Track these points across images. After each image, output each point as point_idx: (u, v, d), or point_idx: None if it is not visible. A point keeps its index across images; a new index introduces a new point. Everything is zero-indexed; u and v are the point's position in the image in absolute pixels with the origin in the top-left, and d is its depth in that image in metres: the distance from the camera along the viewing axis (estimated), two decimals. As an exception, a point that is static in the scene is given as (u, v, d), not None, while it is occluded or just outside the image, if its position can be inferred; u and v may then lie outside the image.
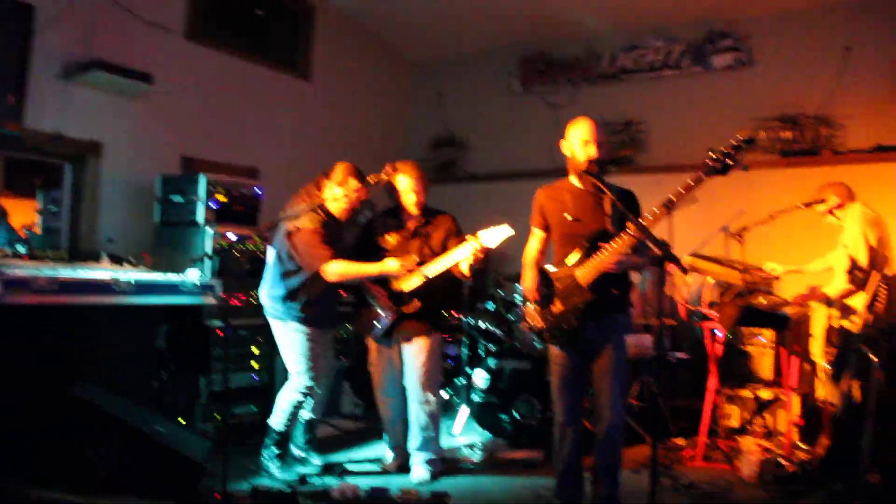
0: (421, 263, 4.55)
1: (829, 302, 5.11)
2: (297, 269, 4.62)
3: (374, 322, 4.73)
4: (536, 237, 4.16)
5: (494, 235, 4.33)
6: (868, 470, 4.02)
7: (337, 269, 4.48)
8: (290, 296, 4.64)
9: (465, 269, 4.46)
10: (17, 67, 4.98)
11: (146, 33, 5.96)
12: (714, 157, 3.48)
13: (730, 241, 5.62)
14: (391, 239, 4.80)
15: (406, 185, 4.70)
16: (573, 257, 3.87)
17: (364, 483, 4.04)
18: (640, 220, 3.61)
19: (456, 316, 6.52)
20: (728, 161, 3.50)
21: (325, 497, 3.51)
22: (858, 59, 6.60)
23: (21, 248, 4.80)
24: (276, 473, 4.59)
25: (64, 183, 5.75)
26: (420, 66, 9.31)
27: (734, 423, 5.73)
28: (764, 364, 6.04)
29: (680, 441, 5.61)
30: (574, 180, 4.00)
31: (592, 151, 3.87)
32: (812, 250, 5.71)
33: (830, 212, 5.30)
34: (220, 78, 6.73)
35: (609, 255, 3.73)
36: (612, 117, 7.75)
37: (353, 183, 4.62)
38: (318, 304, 4.66)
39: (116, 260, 5.03)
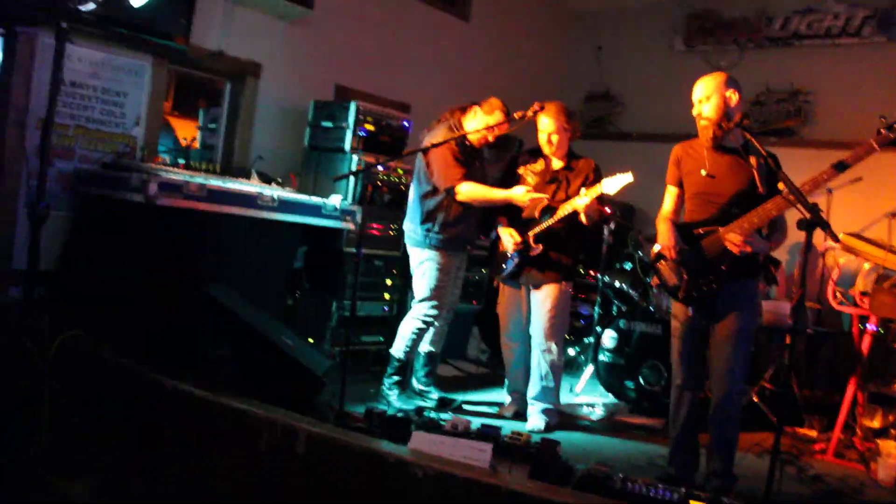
0: (552, 208, 4.50)
1: None
2: (434, 190, 4.68)
3: (503, 263, 4.72)
4: (671, 193, 3.99)
5: (615, 182, 4.26)
6: None
7: (466, 190, 4.56)
8: (427, 217, 4.71)
9: (583, 218, 4.40)
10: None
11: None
12: (888, 125, 3.26)
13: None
14: (530, 179, 4.74)
15: (544, 127, 4.62)
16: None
17: (477, 421, 4.03)
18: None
19: (592, 274, 6.39)
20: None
21: (436, 427, 3.51)
22: None
23: (179, 160, 5.03)
24: (394, 402, 4.67)
25: (223, 101, 5.97)
26: (581, 15, 9.05)
27: (876, 423, 5.36)
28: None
29: (812, 433, 5.31)
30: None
31: (699, 111, 3.71)
32: None
33: None
34: (380, 10, 6.77)
35: (759, 216, 3.52)
36: (778, 85, 7.32)
37: (499, 115, 4.63)
38: (453, 227, 4.71)
39: (265, 178, 5.18)
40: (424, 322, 4.75)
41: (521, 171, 4.80)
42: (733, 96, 3.70)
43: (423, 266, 4.74)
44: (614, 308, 5.95)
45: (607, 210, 4.56)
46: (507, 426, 4.36)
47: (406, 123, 5.80)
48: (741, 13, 7.71)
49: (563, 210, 4.46)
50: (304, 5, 5.70)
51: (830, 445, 4.92)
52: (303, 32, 6.10)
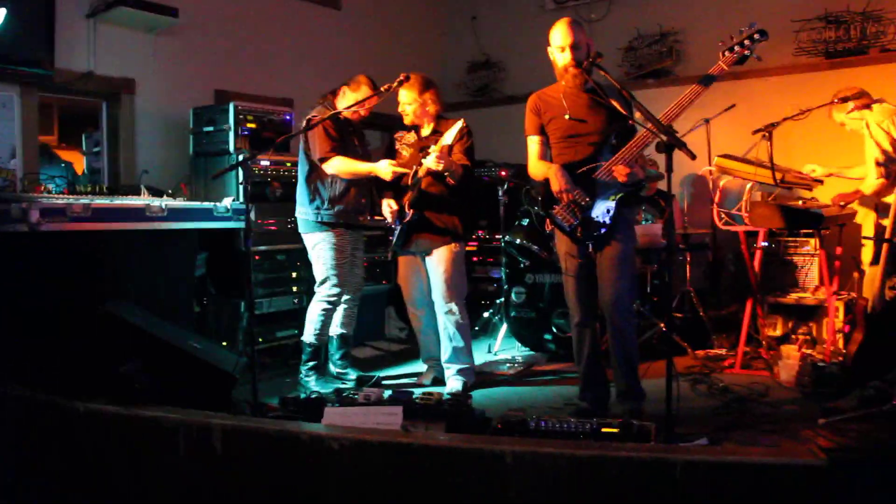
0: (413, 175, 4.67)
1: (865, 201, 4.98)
2: (315, 167, 4.82)
3: (390, 236, 4.87)
4: (535, 142, 4.13)
5: (451, 131, 4.48)
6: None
7: (335, 164, 4.73)
8: (313, 195, 4.84)
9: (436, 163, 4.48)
10: (45, 10, 5.05)
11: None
12: (728, 47, 3.54)
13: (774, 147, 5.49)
14: (404, 152, 4.89)
15: (400, 99, 4.77)
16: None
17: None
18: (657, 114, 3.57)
19: (494, 237, 6.54)
20: (745, 52, 3.53)
21: (350, 402, 3.60)
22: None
23: (62, 184, 4.96)
24: (312, 387, 4.74)
25: (101, 122, 5.89)
26: (453, -13, 9.15)
27: (777, 332, 5.67)
28: (811, 274, 5.91)
29: (722, 351, 5.59)
30: (566, 83, 3.99)
31: (567, 58, 3.86)
32: (849, 155, 5.53)
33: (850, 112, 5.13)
34: (248, 10, 6.72)
35: (637, 144, 3.73)
36: (648, 28, 7.55)
37: (365, 89, 4.78)
38: (339, 201, 4.84)
39: (155, 192, 5.13)
40: (329, 303, 4.85)
41: (396, 145, 4.96)
42: (583, 35, 3.91)
43: (318, 248, 4.86)
44: (521, 265, 6.10)
45: (466, 162, 4.65)
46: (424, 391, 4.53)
47: (288, 116, 5.83)
48: (603, -36, 7.91)
49: (421, 172, 4.61)
50: (168, 14, 5.65)
51: (737, 359, 5.18)
52: (173, 42, 6.04)
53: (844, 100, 5.10)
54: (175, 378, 3.71)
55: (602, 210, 3.87)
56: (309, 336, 4.86)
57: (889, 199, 4.84)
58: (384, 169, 4.64)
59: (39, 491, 3.38)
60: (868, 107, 5.03)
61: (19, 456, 3.48)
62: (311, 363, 4.85)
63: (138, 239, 4.56)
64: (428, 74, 4.89)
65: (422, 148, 4.75)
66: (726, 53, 3.61)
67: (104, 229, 4.31)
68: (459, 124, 4.53)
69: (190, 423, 3.09)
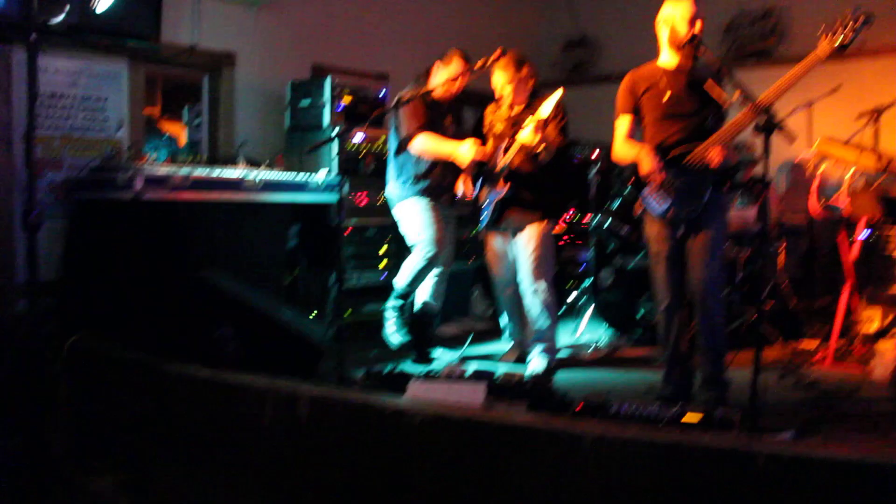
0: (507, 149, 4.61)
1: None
2: (404, 143, 4.85)
3: (480, 215, 4.84)
4: (625, 121, 4.07)
5: (548, 103, 4.35)
6: None
7: (419, 143, 4.77)
8: (400, 171, 4.91)
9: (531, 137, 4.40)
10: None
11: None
12: (827, 32, 3.40)
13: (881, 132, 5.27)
14: (498, 127, 4.85)
15: (497, 82, 4.73)
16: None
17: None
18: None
19: (583, 219, 6.48)
20: (845, 43, 3.40)
21: (433, 377, 3.65)
22: None
23: (164, 155, 5.15)
24: (390, 328, 4.94)
25: (203, 95, 6.08)
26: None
27: (875, 326, 5.45)
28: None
29: (813, 344, 5.40)
30: (665, 58, 3.92)
31: (696, 28, 3.75)
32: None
33: None
34: (348, -15, 6.82)
35: (734, 127, 3.65)
36: (750, 5, 7.32)
37: (458, 63, 4.80)
38: (425, 177, 4.89)
39: (253, 163, 5.27)
40: (426, 260, 4.85)
41: (488, 120, 4.92)
42: (688, 14, 3.83)
43: (409, 215, 4.93)
44: (610, 248, 6.03)
45: (561, 139, 4.61)
46: (508, 369, 4.54)
47: (383, 91, 5.90)
48: (708, -60, 7.68)
49: (514, 148, 4.55)
50: (271, -11, 5.79)
51: (828, 353, 5.02)
52: (274, 16, 6.17)
53: None
54: (265, 346, 3.84)
55: (695, 193, 3.79)
56: (401, 282, 4.95)
57: None
58: (465, 154, 4.64)
59: (129, 449, 3.54)
60: None
61: (112, 415, 3.64)
62: (397, 302, 4.96)
63: (235, 209, 4.70)
64: (522, 51, 4.84)
65: (515, 122, 4.69)
66: (828, 37, 3.46)
67: (202, 199, 4.45)
68: (557, 95, 4.40)
69: (277, 389, 3.18)
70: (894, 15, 6.32)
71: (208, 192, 4.48)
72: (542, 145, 4.46)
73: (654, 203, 3.91)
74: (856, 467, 2.34)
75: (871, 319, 5.42)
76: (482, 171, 4.82)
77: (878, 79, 6.39)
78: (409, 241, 4.98)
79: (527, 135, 4.37)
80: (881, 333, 5.28)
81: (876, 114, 4.83)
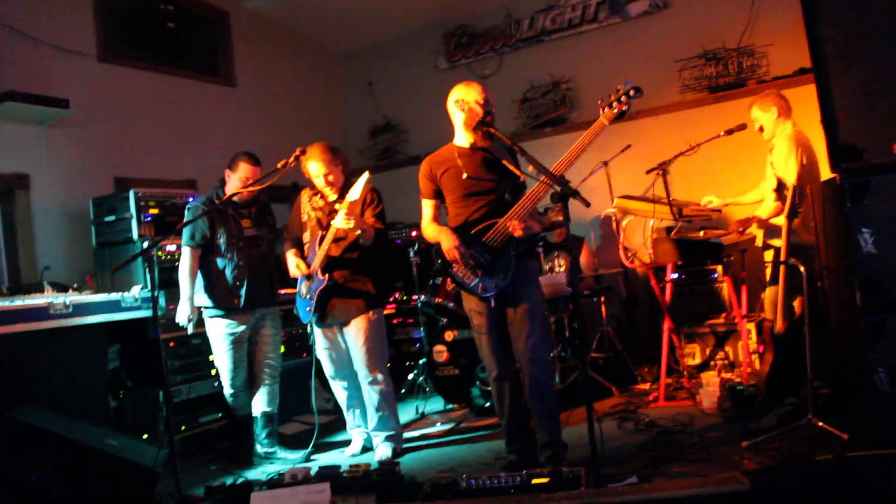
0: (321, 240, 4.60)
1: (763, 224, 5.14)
2: None
3: (306, 307, 4.75)
4: (429, 205, 4.24)
5: (355, 188, 4.36)
6: (815, 381, 4.07)
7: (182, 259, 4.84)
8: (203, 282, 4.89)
9: (346, 222, 4.40)
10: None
11: (58, 61, 5.93)
12: (604, 105, 3.72)
13: (671, 181, 5.66)
14: (314, 215, 4.81)
15: (316, 171, 4.68)
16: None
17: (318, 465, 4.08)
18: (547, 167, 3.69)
19: (411, 298, 6.56)
20: (623, 108, 3.68)
21: (277, 483, 3.52)
22: (770, -15, 6.66)
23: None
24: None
25: (-5, 219, 5.73)
26: (347, 57, 9.32)
27: (697, 360, 5.80)
28: (721, 300, 6.09)
29: (646, 386, 5.69)
30: (458, 140, 4.11)
31: (482, 112, 3.95)
32: (744, 183, 5.75)
33: (760, 129, 5.14)
34: (141, 95, 6.69)
35: (531, 199, 3.79)
36: (540, 79, 7.81)
37: (246, 167, 4.86)
38: (218, 286, 4.85)
39: (60, 288, 4.99)
40: (230, 397, 5.03)
41: (305, 208, 4.87)
42: (480, 98, 4.00)
43: (212, 340, 4.99)
44: (440, 324, 6.13)
45: (379, 225, 4.66)
46: (352, 462, 4.45)
47: (191, 198, 5.76)
48: (491, 22, 8.15)
49: (329, 236, 4.53)
50: (60, 107, 5.56)
51: (660, 392, 5.27)
52: (66, 133, 5.95)
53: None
54: (93, 479, 3.59)
55: (501, 265, 3.91)
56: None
57: (777, 220, 5.03)
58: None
59: None
60: (789, 117, 5.06)
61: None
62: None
63: (45, 338, 4.42)
64: (329, 142, 4.87)
65: (330, 211, 4.69)
66: (605, 109, 3.73)
67: (6, 332, 4.16)
68: (364, 178, 4.38)
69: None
70: (666, 76, 6.94)
71: (12, 325, 4.18)
72: (358, 231, 4.46)
73: (463, 279, 4.02)
74: (696, 500, 2.46)
75: (693, 354, 5.78)
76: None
77: (661, 134, 6.94)
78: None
79: (340, 221, 4.37)
80: (703, 366, 5.63)
81: (662, 168, 5.21)
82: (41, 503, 3.33)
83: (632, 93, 3.67)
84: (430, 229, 4.16)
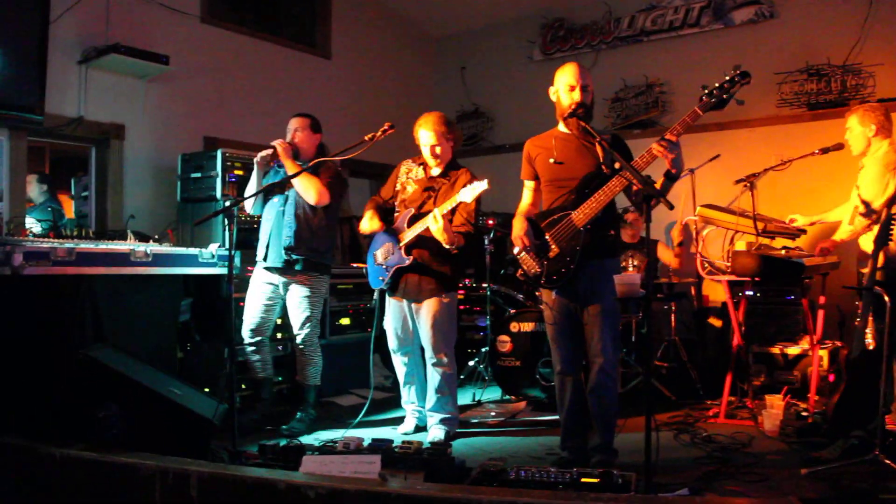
0: (419, 216, 4.58)
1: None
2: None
3: (379, 276, 4.79)
4: (527, 188, 4.20)
5: (471, 190, 4.27)
6: (886, 414, 3.93)
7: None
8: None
9: (440, 234, 4.37)
10: (37, 55, 5.10)
11: (162, 18, 6.10)
12: (708, 91, 3.53)
13: (758, 196, 5.53)
14: (410, 187, 4.81)
15: (426, 140, 4.66)
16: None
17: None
18: (632, 161, 3.62)
19: (481, 285, 6.56)
20: (723, 95, 3.54)
21: (329, 450, 3.58)
22: (885, 4, 6.41)
23: (47, 229, 4.97)
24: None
25: (90, 167, 5.93)
26: (442, 40, 9.34)
27: (763, 381, 5.66)
28: (795, 323, 5.93)
29: (707, 401, 5.58)
30: (561, 127, 4.02)
31: (577, 96, 3.87)
32: (834, 206, 5.57)
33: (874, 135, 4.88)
34: (239, 59, 6.84)
35: (605, 194, 3.73)
36: (634, 80, 7.71)
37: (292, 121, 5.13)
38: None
39: (141, 237, 5.14)
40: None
41: (402, 179, 4.86)
42: (571, 80, 3.93)
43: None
44: (507, 314, 6.11)
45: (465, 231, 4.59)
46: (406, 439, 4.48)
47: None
48: (591, 18, 8.07)
49: (420, 226, 4.51)
50: (160, 62, 5.71)
51: (721, 408, 5.17)
52: (163, 89, 6.13)
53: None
54: (154, 423, 3.70)
55: (566, 257, 3.87)
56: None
57: (865, 245, 4.87)
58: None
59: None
60: (887, 136, 4.85)
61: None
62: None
63: (123, 283, 4.55)
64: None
65: (427, 187, 4.69)
66: (703, 98, 3.59)
67: (88, 273, 4.30)
68: (483, 185, 4.27)
69: (166, 470, 3.07)
70: (765, 88, 6.76)
71: (95, 267, 4.32)
72: (445, 241, 4.41)
73: (528, 268, 4.00)
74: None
75: (760, 375, 5.64)
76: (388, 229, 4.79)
77: (753, 147, 6.78)
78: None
79: (436, 230, 4.35)
80: (769, 387, 5.49)
81: (750, 180, 5.09)
82: (105, 438, 3.43)
83: (737, 77, 3.53)
84: (518, 212, 4.14)
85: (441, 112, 4.77)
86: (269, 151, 4.92)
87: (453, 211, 4.50)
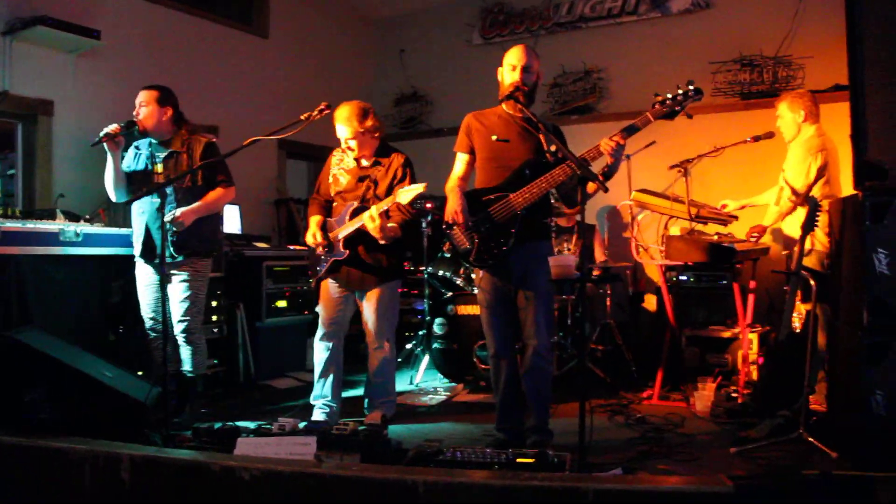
0: (362, 209, 4.46)
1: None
2: None
3: (317, 266, 4.70)
4: (461, 160, 4.17)
5: (408, 192, 4.16)
6: (810, 394, 4.06)
7: None
8: None
9: (376, 232, 4.31)
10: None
11: (94, -10, 5.92)
12: (661, 100, 3.62)
13: (691, 183, 5.64)
14: (343, 178, 4.69)
15: (340, 134, 4.55)
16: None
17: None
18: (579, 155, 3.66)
19: (418, 269, 6.56)
20: (675, 107, 3.62)
21: (264, 432, 3.55)
22: (815, -2, 6.58)
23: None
24: None
25: (16, 144, 5.73)
26: (381, 21, 9.27)
27: (695, 364, 5.79)
28: (726, 307, 6.07)
29: (640, 383, 5.68)
30: (505, 107, 4.02)
31: (516, 77, 3.90)
32: (767, 188, 5.71)
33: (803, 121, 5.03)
34: (174, 35, 6.68)
35: (548, 181, 3.75)
36: (573, 66, 7.75)
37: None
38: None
39: (72, 217, 5.00)
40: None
41: (334, 171, 4.75)
42: (514, 61, 3.97)
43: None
44: (444, 297, 6.13)
45: (401, 224, 4.50)
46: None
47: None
48: (530, 3, 8.08)
49: (354, 223, 4.42)
50: (91, 37, 5.55)
51: (655, 391, 5.28)
52: (94, 64, 5.94)
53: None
54: (85, 407, 3.62)
55: (499, 239, 3.90)
56: None
57: (789, 230, 5.01)
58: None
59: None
60: (815, 122, 4.99)
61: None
62: None
63: (52, 264, 4.44)
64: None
65: (362, 177, 4.61)
66: (657, 106, 3.67)
67: (14, 253, 4.18)
68: (418, 190, 4.15)
69: (97, 454, 3.00)
70: (699, 77, 6.85)
71: (22, 246, 4.20)
72: (380, 237, 4.33)
73: (458, 243, 4.03)
74: (678, 495, 2.46)
75: (692, 357, 5.76)
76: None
77: (688, 135, 6.88)
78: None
79: (372, 227, 4.27)
80: (700, 370, 5.61)
81: (685, 166, 5.19)
82: (32, 422, 3.35)
83: (691, 93, 3.62)
84: (450, 184, 4.10)
85: (358, 102, 4.61)
86: (113, 128, 4.58)
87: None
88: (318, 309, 4.79)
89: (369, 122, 4.55)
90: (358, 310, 4.75)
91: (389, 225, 4.37)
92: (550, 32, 7.97)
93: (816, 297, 4.24)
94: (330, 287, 4.70)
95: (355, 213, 4.52)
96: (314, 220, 4.67)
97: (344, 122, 4.51)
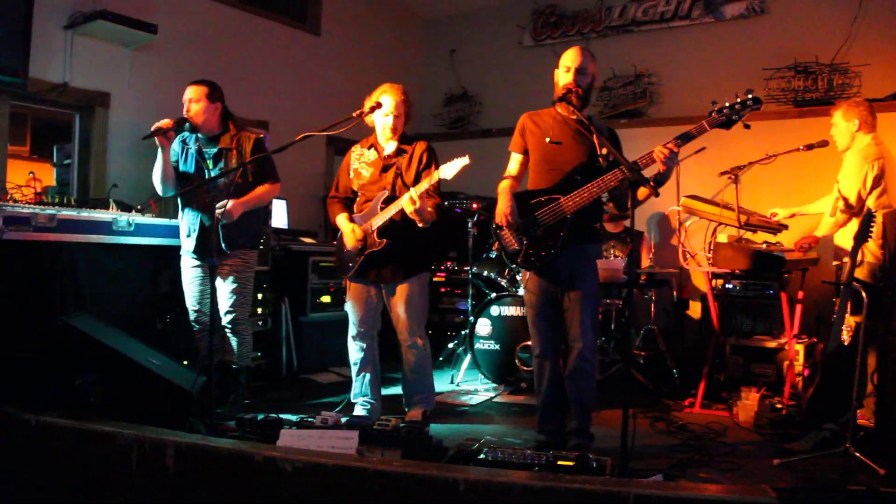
0: (393, 198, 4.42)
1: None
2: None
3: (348, 262, 4.61)
4: (515, 160, 4.16)
5: (452, 166, 4.09)
6: (858, 409, 3.99)
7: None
8: None
9: (413, 212, 4.23)
10: (22, 19, 5.02)
11: (152, -15, 6.03)
12: (718, 109, 3.58)
13: (741, 190, 5.57)
14: (365, 172, 4.62)
15: (388, 105, 4.46)
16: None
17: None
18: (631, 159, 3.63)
19: (462, 268, 6.57)
20: (732, 116, 3.57)
21: (307, 425, 3.58)
22: (874, 4, 6.45)
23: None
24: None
25: (73, 134, 5.86)
26: (432, 22, 9.32)
27: (739, 373, 5.72)
28: (773, 317, 5.98)
29: (683, 390, 5.63)
30: (559, 109, 4.01)
31: (569, 78, 3.88)
32: (818, 198, 5.61)
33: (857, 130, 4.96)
34: (228, 31, 6.77)
35: (599, 186, 3.73)
36: (623, 70, 7.70)
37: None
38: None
39: (124, 207, 5.09)
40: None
41: (354, 165, 4.67)
42: (569, 62, 3.94)
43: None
44: (487, 297, 6.13)
45: (439, 206, 4.45)
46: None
47: (264, 138, 5.82)
48: (582, 5, 8.06)
49: (394, 207, 4.33)
50: (147, 31, 5.65)
51: (697, 398, 5.23)
52: (150, 58, 6.06)
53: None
54: (132, 393, 3.69)
55: (548, 242, 3.89)
56: None
57: (840, 241, 4.93)
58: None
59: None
60: (870, 132, 4.91)
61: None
62: None
63: (104, 252, 4.53)
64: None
65: (385, 167, 4.54)
66: (713, 114, 3.61)
67: (69, 241, 4.28)
68: (463, 163, 4.06)
69: (143, 439, 3.06)
70: (752, 83, 6.74)
71: (76, 234, 4.30)
72: (419, 220, 4.29)
73: (507, 243, 4.04)
74: (718, 505, 2.44)
75: (736, 366, 5.69)
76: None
77: (739, 141, 6.78)
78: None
79: (411, 209, 4.19)
80: (745, 379, 5.54)
81: (735, 173, 5.13)
82: (82, 406, 3.42)
83: (749, 102, 3.56)
84: (502, 185, 4.08)
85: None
86: (165, 123, 4.63)
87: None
88: (348, 308, 4.72)
89: (409, 100, 4.58)
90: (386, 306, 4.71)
91: (428, 209, 4.32)
92: (602, 35, 7.93)
93: (867, 311, 4.17)
94: (358, 289, 4.65)
95: (388, 202, 4.44)
96: (343, 219, 4.61)
97: (389, 92, 4.48)
